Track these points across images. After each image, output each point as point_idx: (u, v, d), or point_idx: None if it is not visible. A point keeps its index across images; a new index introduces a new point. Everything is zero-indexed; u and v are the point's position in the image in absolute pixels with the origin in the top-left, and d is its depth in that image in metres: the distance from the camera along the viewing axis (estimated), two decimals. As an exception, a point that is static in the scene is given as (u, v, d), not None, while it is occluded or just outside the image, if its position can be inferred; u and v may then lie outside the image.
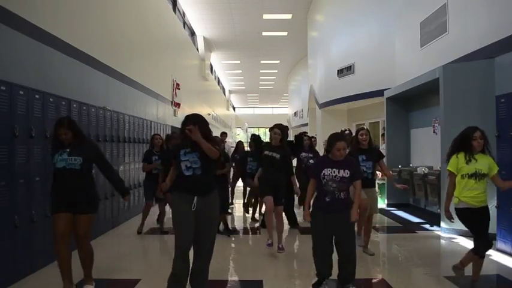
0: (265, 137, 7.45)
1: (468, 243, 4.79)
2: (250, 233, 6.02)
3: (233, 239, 5.49)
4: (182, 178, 3.16)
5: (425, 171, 6.65)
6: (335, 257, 3.36)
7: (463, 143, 3.42)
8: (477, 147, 3.36)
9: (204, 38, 17.34)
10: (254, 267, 4.24)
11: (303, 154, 6.81)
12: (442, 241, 5.31)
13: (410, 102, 7.89)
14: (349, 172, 3.28)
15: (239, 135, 44.48)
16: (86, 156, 3.34)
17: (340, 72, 11.09)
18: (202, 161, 3.11)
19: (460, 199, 3.36)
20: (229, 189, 6.97)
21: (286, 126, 5.97)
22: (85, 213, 3.31)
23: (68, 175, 3.26)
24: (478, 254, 3.36)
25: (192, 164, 3.12)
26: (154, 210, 6.11)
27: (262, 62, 22.37)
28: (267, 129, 6.37)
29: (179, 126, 9.57)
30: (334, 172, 3.27)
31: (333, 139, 3.32)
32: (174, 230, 3.13)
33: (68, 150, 3.30)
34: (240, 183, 7.99)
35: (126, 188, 3.74)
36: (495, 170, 3.40)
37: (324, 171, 3.28)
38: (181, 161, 3.14)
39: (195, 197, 3.09)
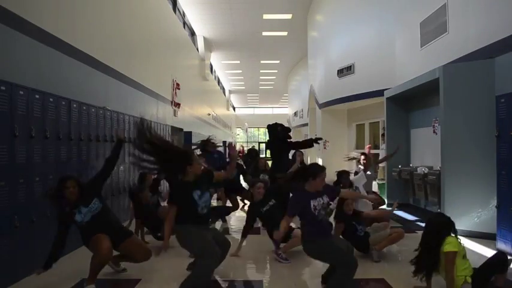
0: (265, 137, 7.40)
1: (467, 244, 4.79)
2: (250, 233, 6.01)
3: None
4: (197, 214, 3.35)
5: (425, 171, 6.66)
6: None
7: (446, 227, 3.21)
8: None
9: (204, 38, 17.34)
10: (254, 267, 4.24)
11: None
12: (442, 241, 5.31)
13: (410, 102, 7.89)
14: (327, 198, 3.37)
15: (239, 135, 44.52)
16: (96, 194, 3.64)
17: (340, 72, 11.09)
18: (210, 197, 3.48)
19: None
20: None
21: (274, 124, 6.19)
22: None
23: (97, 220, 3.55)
24: None
25: (206, 203, 3.40)
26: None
27: (262, 62, 22.37)
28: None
29: (179, 126, 9.67)
30: (321, 200, 3.29)
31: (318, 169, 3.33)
32: (203, 250, 3.22)
33: (80, 203, 3.52)
34: None
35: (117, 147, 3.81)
36: None
37: (312, 203, 3.24)
38: (197, 205, 3.33)
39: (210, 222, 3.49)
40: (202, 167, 3.59)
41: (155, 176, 5.39)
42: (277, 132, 6.31)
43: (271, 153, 6.47)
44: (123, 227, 3.91)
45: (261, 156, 8.90)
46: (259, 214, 4.68)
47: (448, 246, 3.07)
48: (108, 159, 3.83)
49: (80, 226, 3.54)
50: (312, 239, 3.30)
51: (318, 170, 3.29)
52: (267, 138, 6.72)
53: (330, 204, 3.43)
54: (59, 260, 3.56)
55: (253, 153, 8.44)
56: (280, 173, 5.97)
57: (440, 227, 3.22)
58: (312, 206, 3.22)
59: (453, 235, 3.15)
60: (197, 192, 3.33)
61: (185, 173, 3.35)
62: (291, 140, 6.60)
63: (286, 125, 6.78)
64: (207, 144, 6.68)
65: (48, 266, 3.45)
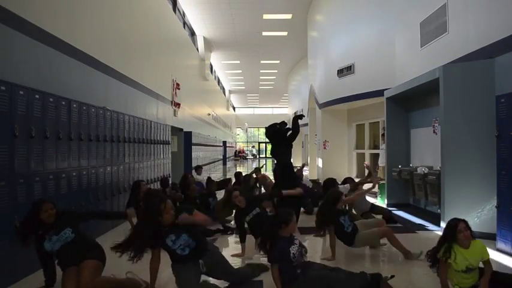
0: (265, 137, 7.22)
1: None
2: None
3: (232, 238, 5.50)
4: (179, 256, 3.30)
5: (425, 171, 6.66)
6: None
7: (450, 235, 3.18)
8: (464, 240, 3.14)
9: (204, 38, 17.35)
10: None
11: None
12: (442, 241, 5.30)
13: (410, 102, 7.89)
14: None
15: (239, 135, 44.52)
16: (71, 224, 3.42)
17: (340, 72, 11.09)
18: (196, 239, 3.31)
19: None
20: None
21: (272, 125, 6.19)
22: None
23: (69, 248, 3.32)
24: None
25: (188, 244, 3.30)
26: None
27: (262, 62, 22.37)
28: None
29: (179, 126, 9.67)
30: (295, 246, 3.27)
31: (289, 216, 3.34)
32: None
33: (52, 231, 3.32)
34: None
35: (120, 212, 3.66)
36: (487, 256, 3.18)
37: (291, 251, 3.22)
38: (173, 249, 3.28)
39: (200, 261, 3.28)
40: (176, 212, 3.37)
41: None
42: (278, 129, 6.29)
43: (278, 152, 6.39)
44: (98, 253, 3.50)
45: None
46: (244, 222, 4.65)
47: (442, 254, 3.13)
48: (99, 213, 3.71)
49: (51, 253, 3.39)
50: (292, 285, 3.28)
51: (289, 216, 3.32)
52: (266, 139, 6.69)
53: (306, 252, 3.38)
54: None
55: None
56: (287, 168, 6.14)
57: (447, 230, 3.23)
58: (291, 254, 3.23)
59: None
60: (171, 236, 3.29)
61: (161, 223, 3.27)
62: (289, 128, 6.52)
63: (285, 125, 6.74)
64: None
65: (50, 285, 3.45)
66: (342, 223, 4.45)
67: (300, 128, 6.49)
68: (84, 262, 3.24)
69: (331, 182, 5.87)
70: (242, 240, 4.62)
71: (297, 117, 6.47)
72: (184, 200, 6.46)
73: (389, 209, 7.49)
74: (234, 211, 5.01)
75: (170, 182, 8.12)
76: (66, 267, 3.32)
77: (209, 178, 7.69)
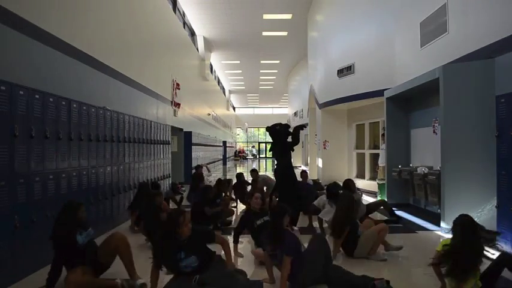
0: (265, 136, 7.08)
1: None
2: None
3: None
4: (182, 270, 3.32)
5: (425, 171, 6.66)
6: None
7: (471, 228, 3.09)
8: None
9: (204, 38, 17.35)
10: (254, 267, 4.24)
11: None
12: (442, 241, 5.30)
13: (410, 102, 7.89)
14: None
15: (239, 135, 44.53)
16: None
17: (340, 72, 11.08)
18: (201, 259, 3.31)
19: None
20: None
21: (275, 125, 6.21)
22: None
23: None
24: None
25: (192, 264, 3.30)
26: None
27: (262, 62, 22.38)
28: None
29: (179, 126, 9.70)
30: None
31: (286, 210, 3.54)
32: None
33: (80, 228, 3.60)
34: None
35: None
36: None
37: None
38: (181, 266, 3.30)
39: (196, 276, 3.23)
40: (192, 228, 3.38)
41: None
42: (278, 131, 6.30)
43: (277, 153, 6.41)
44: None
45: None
46: (252, 226, 4.60)
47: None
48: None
49: (78, 248, 3.52)
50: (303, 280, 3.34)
51: (287, 207, 3.57)
52: (267, 139, 6.74)
53: None
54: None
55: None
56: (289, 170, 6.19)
57: (466, 229, 3.10)
58: (300, 241, 3.43)
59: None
60: (181, 254, 3.30)
61: (177, 234, 3.29)
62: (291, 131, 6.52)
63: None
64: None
65: (51, 285, 3.49)
66: (358, 224, 4.49)
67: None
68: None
69: (334, 188, 5.78)
70: (235, 241, 4.62)
71: (299, 127, 6.46)
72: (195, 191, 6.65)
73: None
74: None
75: (170, 183, 8.14)
76: (74, 266, 3.46)
77: (219, 179, 7.62)
